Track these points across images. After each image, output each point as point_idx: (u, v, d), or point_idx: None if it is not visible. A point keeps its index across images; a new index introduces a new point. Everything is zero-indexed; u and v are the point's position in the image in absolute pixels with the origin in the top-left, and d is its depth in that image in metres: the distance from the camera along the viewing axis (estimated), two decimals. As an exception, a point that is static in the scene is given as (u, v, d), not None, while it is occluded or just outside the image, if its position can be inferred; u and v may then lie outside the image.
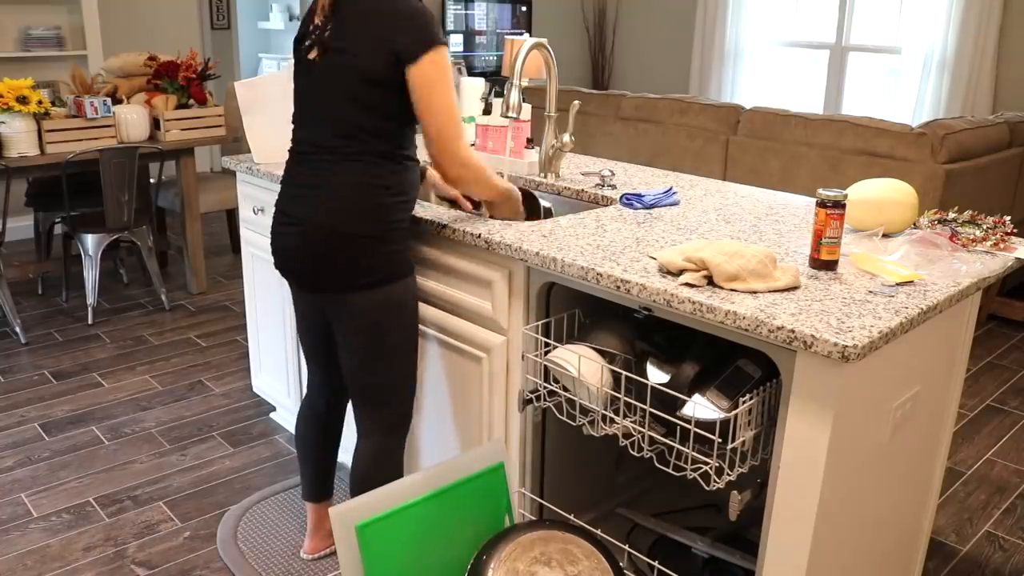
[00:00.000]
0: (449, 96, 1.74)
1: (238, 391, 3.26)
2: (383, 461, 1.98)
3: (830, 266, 1.64)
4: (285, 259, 1.89)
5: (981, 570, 2.33)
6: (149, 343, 3.70)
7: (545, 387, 1.86)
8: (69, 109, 3.71)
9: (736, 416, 1.52)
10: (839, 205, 1.60)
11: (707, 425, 1.57)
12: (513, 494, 1.93)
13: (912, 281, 1.59)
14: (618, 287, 1.61)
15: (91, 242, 3.78)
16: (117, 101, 3.89)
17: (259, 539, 2.36)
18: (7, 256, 4.78)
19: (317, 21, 1.81)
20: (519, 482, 2.02)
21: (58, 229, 4.53)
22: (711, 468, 1.58)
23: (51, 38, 4.83)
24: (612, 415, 1.72)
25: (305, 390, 2.18)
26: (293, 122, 1.90)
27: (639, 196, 2.16)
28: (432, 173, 2.17)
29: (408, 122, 1.81)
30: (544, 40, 2.25)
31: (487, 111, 2.87)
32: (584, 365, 1.71)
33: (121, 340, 3.72)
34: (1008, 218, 1.86)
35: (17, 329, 3.68)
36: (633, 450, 1.72)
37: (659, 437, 1.67)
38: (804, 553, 1.48)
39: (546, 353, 1.83)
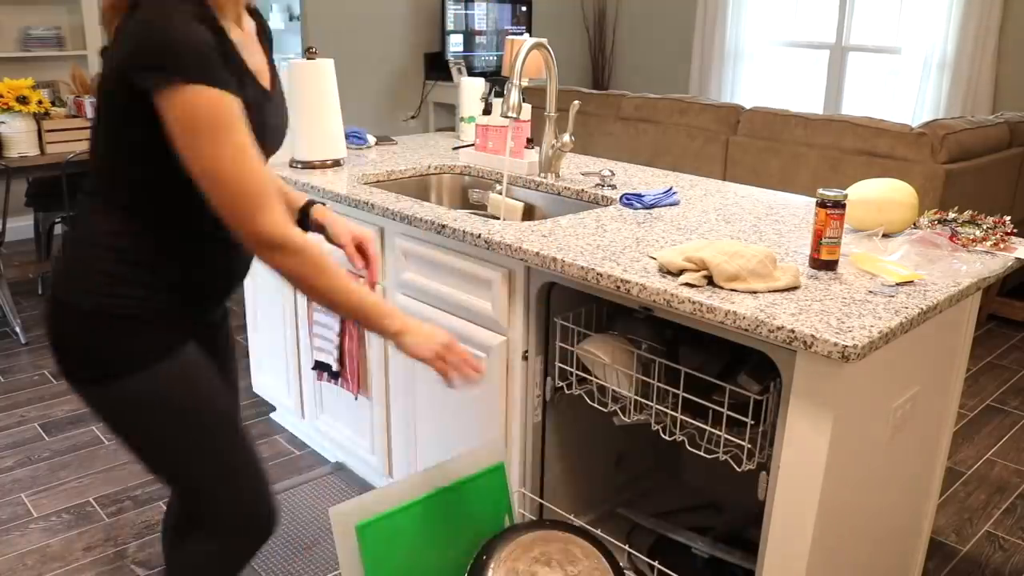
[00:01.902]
0: (220, 149, 1.23)
1: (238, 391, 3.26)
2: (199, 568, 1.53)
3: (830, 266, 1.64)
4: None
5: (981, 570, 2.33)
6: (149, 343, 3.70)
7: (577, 374, 1.89)
8: (69, 109, 3.72)
9: (767, 399, 1.57)
10: (839, 205, 1.60)
11: (740, 407, 1.62)
12: (513, 494, 1.93)
13: (912, 281, 1.59)
14: (618, 287, 1.61)
15: (91, 242, 3.78)
16: (117, 101, 3.88)
17: (259, 539, 2.36)
18: (7, 256, 4.78)
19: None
20: (519, 482, 2.02)
21: (58, 229, 4.53)
22: (743, 450, 1.63)
23: (51, 38, 4.83)
24: (644, 401, 1.78)
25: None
26: None
27: (639, 196, 2.16)
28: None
29: (169, 176, 1.29)
30: (544, 40, 2.25)
31: (487, 111, 2.87)
32: (617, 353, 1.75)
33: (121, 340, 3.72)
34: (1008, 218, 1.86)
35: (17, 329, 3.68)
36: (664, 435, 1.76)
37: (691, 420, 1.71)
38: (804, 553, 1.48)
39: (578, 342, 1.86)
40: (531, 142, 2.64)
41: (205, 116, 1.22)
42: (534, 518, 1.99)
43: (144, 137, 1.27)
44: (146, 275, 1.35)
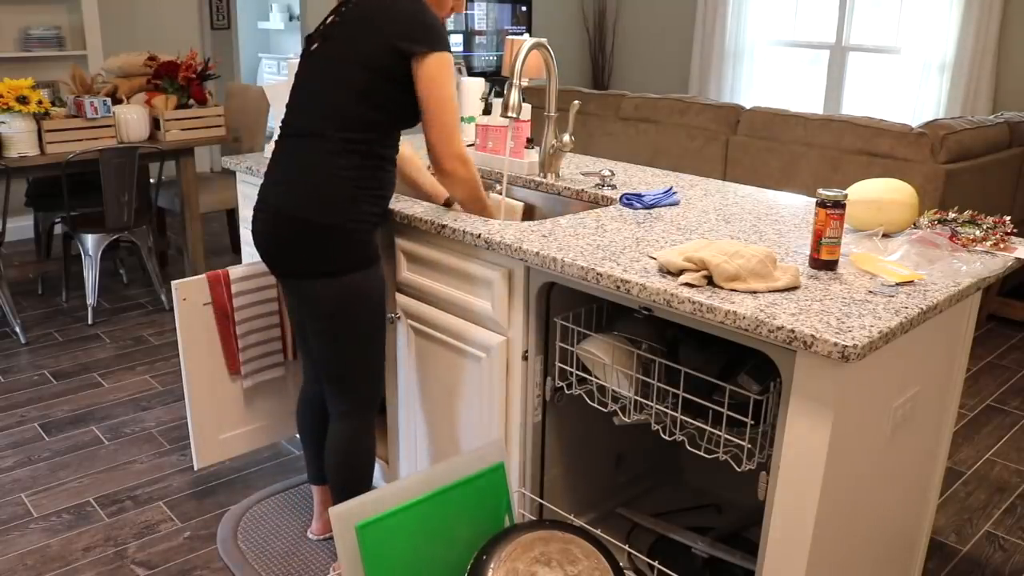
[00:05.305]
0: (452, 95, 1.85)
1: (238, 391, 3.26)
2: (354, 443, 2.06)
3: (830, 266, 1.64)
4: (257, 244, 1.96)
5: (981, 570, 2.33)
6: (149, 343, 3.70)
7: (577, 374, 1.90)
8: (69, 109, 3.71)
9: (767, 399, 1.58)
10: (839, 205, 1.60)
11: (740, 407, 1.63)
12: (513, 494, 1.93)
13: (912, 281, 1.59)
14: (618, 287, 1.61)
15: (91, 242, 3.78)
16: (117, 101, 3.89)
17: (259, 539, 2.36)
18: (7, 256, 4.78)
19: (328, 19, 1.94)
20: (519, 482, 2.02)
21: (58, 229, 4.53)
22: (743, 450, 1.64)
23: (51, 38, 4.83)
24: (644, 401, 1.79)
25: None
26: (286, 111, 1.97)
27: (639, 196, 2.16)
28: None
29: (395, 121, 1.88)
30: (544, 40, 2.25)
31: (487, 111, 2.87)
32: (617, 353, 1.76)
33: (121, 340, 3.72)
34: (1008, 218, 1.86)
35: (17, 329, 3.68)
36: (664, 435, 1.77)
37: (691, 420, 1.73)
38: (804, 553, 1.48)
39: (578, 342, 1.87)
40: (531, 142, 2.64)
41: (451, 70, 1.84)
42: (534, 518, 1.99)
43: (393, 91, 1.83)
44: (372, 197, 1.88)
